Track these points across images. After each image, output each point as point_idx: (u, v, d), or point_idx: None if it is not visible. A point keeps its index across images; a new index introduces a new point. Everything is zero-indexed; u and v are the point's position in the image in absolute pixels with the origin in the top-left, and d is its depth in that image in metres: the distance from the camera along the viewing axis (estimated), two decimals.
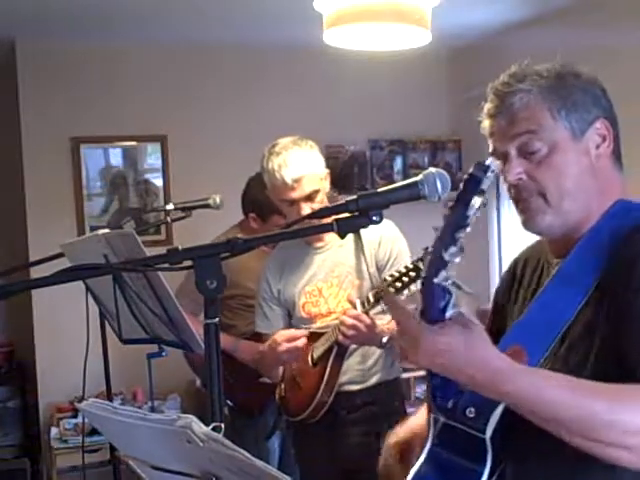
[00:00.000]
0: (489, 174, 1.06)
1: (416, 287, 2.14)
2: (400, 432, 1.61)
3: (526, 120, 1.29)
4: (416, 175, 1.22)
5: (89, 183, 4.53)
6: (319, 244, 2.47)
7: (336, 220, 1.24)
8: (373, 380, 2.44)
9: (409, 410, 2.43)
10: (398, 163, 5.03)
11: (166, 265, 1.23)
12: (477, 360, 1.11)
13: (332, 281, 2.43)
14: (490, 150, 1.36)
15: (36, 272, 1.52)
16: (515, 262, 1.51)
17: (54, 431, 4.14)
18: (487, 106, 1.35)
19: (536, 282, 1.40)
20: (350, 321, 2.21)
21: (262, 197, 2.77)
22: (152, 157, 4.67)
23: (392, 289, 2.12)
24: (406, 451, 1.55)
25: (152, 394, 3.04)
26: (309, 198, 2.32)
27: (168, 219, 3.08)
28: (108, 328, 2.41)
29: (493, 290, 1.57)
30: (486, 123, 1.36)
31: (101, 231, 2.12)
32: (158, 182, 4.65)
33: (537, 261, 1.42)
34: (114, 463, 2.55)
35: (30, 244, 4.33)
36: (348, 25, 2.56)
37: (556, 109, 1.29)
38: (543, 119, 1.29)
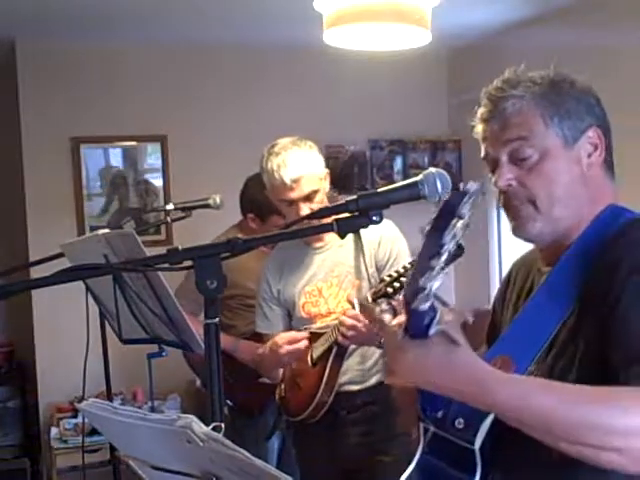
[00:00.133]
0: (466, 199, 1.06)
1: None
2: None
3: (518, 126, 1.29)
4: (416, 175, 1.22)
5: (89, 183, 4.53)
6: (319, 244, 2.47)
7: (336, 220, 1.24)
8: (373, 380, 2.44)
9: None
10: (398, 163, 5.03)
11: (166, 265, 1.23)
12: (461, 374, 1.11)
13: (332, 281, 2.44)
14: (482, 155, 1.37)
15: (36, 272, 1.52)
16: (511, 269, 1.52)
17: (54, 431, 4.15)
18: (480, 111, 1.35)
19: (527, 291, 1.40)
20: (349, 321, 2.21)
21: (261, 197, 2.77)
22: (152, 157, 4.67)
23: (390, 289, 2.11)
24: None
25: (152, 394, 3.04)
26: (308, 198, 2.32)
27: (168, 219, 3.08)
28: (108, 328, 2.41)
29: (493, 290, 1.57)
30: (479, 128, 1.36)
31: (101, 231, 2.12)
32: (158, 182, 4.65)
33: (529, 269, 1.43)
34: (114, 463, 2.55)
35: (30, 244, 4.33)
36: (348, 25, 2.56)
37: (548, 116, 1.29)
38: (535, 125, 1.29)
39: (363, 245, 2.39)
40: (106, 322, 2.42)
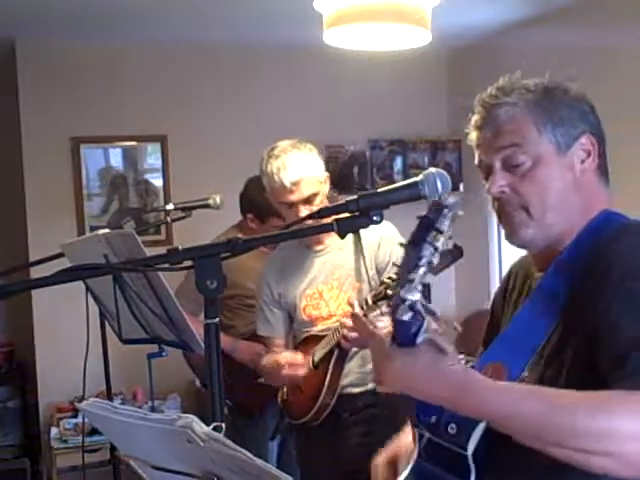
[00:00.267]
0: (445, 212, 1.07)
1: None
2: (388, 449, 1.64)
3: (511, 133, 1.30)
4: (416, 175, 1.22)
5: (89, 183, 4.53)
6: (319, 247, 2.47)
7: (336, 220, 1.24)
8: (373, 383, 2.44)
9: None
10: (398, 163, 5.02)
11: (166, 265, 1.24)
12: (448, 383, 1.12)
13: (332, 284, 2.44)
14: (476, 162, 1.37)
15: (36, 272, 1.52)
16: (509, 273, 1.52)
17: (54, 431, 4.14)
18: (474, 118, 1.35)
19: (525, 294, 1.40)
20: (350, 324, 2.21)
21: (260, 199, 2.77)
22: (152, 157, 4.67)
23: (391, 291, 2.12)
24: (395, 463, 1.58)
25: (152, 394, 3.04)
26: (308, 201, 2.31)
27: (168, 219, 3.08)
28: (108, 328, 2.41)
29: (493, 290, 1.57)
30: (473, 135, 1.36)
31: (101, 231, 2.12)
32: (158, 182, 4.65)
33: (525, 274, 1.43)
34: (114, 463, 2.55)
35: (30, 244, 4.33)
36: (348, 25, 2.55)
37: (542, 123, 1.29)
38: (528, 132, 1.29)
39: (363, 247, 2.39)
40: (106, 322, 2.42)
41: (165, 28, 4.21)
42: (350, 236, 2.41)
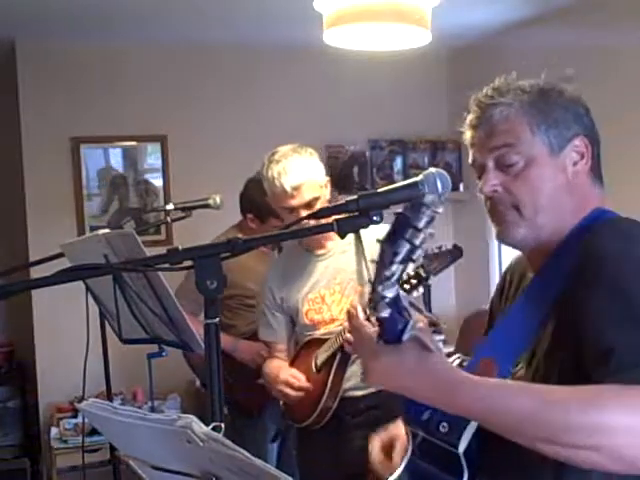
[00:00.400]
0: (423, 209, 1.07)
1: (418, 293, 2.15)
2: (384, 434, 1.65)
3: (505, 133, 1.30)
4: (416, 175, 1.22)
5: (89, 183, 4.53)
6: (321, 251, 2.47)
7: (336, 220, 1.24)
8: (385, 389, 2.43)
9: None
10: (398, 163, 5.02)
11: (166, 265, 1.24)
12: (432, 381, 1.13)
13: (334, 288, 2.44)
14: (470, 161, 1.38)
15: (36, 272, 1.52)
16: (505, 272, 1.53)
17: (54, 431, 4.14)
18: (469, 117, 1.36)
19: (518, 295, 1.41)
20: None
21: (260, 199, 2.78)
22: (152, 157, 4.67)
23: None
24: (391, 448, 1.61)
25: (152, 394, 3.04)
26: (309, 205, 2.31)
27: (168, 219, 3.08)
28: (108, 328, 2.41)
29: (493, 290, 1.58)
30: (467, 134, 1.37)
31: (101, 231, 2.12)
32: (158, 182, 4.65)
33: (521, 273, 1.44)
34: (114, 463, 2.55)
35: (30, 244, 4.33)
36: (348, 25, 2.55)
37: (535, 124, 1.30)
38: (522, 133, 1.30)
39: (365, 251, 2.39)
40: (106, 322, 2.42)
41: (165, 28, 4.21)
42: (352, 240, 2.42)
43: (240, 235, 1.30)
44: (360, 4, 2.49)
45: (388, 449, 1.63)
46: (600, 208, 1.31)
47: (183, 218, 3.05)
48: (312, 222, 1.53)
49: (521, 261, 1.47)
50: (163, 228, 4.48)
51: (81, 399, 1.33)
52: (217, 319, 1.20)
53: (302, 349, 2.50)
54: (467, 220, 4.69)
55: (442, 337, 4.60)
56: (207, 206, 3.02)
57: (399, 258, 1.07)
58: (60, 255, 2.15)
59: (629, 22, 3.62)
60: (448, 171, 1.26)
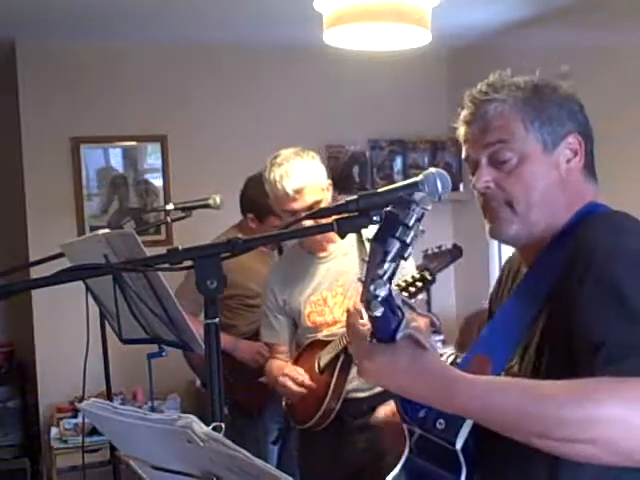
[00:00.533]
0: (413, 207, 1.08)
1: (423, 296, 2.16)
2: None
3: (499, 129, 1.30)
4: (416, 175, 1.23)
5: (89, 183, 4.53)
6: (323, 254, 2.48)
7: (336, 220, 1.24)
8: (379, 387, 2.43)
9: None
10: (398, 163, 5.02)
11: (166, 265, 1.24)
12: (426, 379, 1.13)
13: (337, 290, 2.44)
14: (464, 156, 1.38)
15: (36, 272, 1.52)
16: (503, 268, 1.54)
17: (54, 431, 4.14)
18: (463, 113, 1.36)
19: (512, 289, 1.41)
20: None
21: (260, 198, 2.78)
22: (152, 157, 4.67)
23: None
24: None
25: (152, 394, 3.03)
26: (311, 209, 2.31)
27: (168, 219, 3.08)
28: (108, 328, 2.41)
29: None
30: (461, 130, 1.37)
31: (101, 231, 2.12)
32: (158, 182, 4.65)
33: (517, 269, 1.44)
34: (114, 463, 2.55)
35: (30, 244, 4.33)
36: (348, 25, 2.55)
37: (529, 120, 1.30)
38: (516, 129, 1.30)
39: (367, 252, 2.39)
40: (106, 322, 2.42)
41: (165, 28, 4.21)
42: (354, 242, 2.42)
43: (240, 235, 1.30)
44: (360, 4, 2.49)
45: None
46: (593, 202, 1.32)
47: (183, 218, 3.05)
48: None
49: (518, 256, 1.47)
50: (163, 228, 4.48)
51: (81, 399, 1.33)
52: (217, 319, 1.20)
53: (305, 350, 2.50)
54: (467, 220, 4.69)
55: (442, 337, 4.62)
56: (207, 206, 3.02)
57: (390, 256, 1.08)
58: (60, 255, 2.15)
59: (629, 22, 3.62)
60: (448, 171, 1.27)
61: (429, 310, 4.58)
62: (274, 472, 0.92)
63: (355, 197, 1.22)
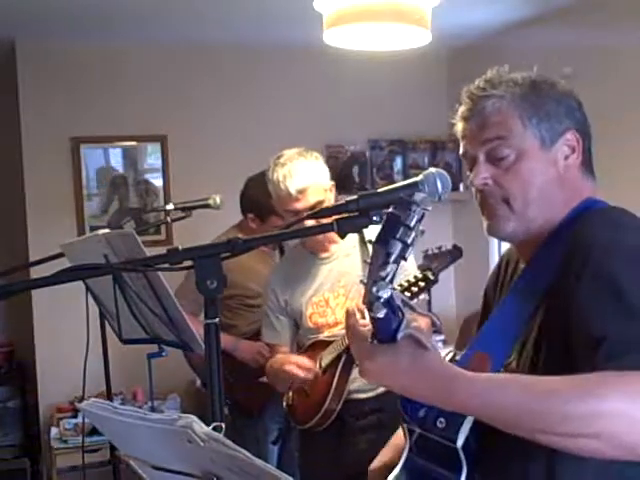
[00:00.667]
0: (413, 208, 1.08)
1: (425, 296, 2.16)
2: (383, 453, 1.64)
3: (497, 125, 1.30)
4: (416, 175, 1.23)
5: (89, 183, 4.52)
6: (325, 254, 2.48)
7: (336, 220, 1.24)
8: (381, 388, 2.43)
9: None
10: (398, 163, 5.02)
11: (166, 265, 1.24)
12: (427, 378, 1.14)
13: (339, 291, 2.44)
14: (461, 152, 1.38)
15: (36, 272, 1.52)
16: (501, 260, 1.53)
17: (54, 431, 4.14)
18: (461, 109, 1.36)
19: (510, 285, 1.41)
20: None
21: (261, 198, 2.78)
22: (152, 157, 4.67)
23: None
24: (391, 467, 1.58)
25: (152, 394, 3.04)
26: (313, 209, 2.31)
27: (168, 219, 3.08)
28: (108, 328, 2.41)
29: None
30: (459, 126, 1.37)
31: (101, 231, 2.12)
32: (158, 182, 4.65)
33: (515, 264, 1.44)
34: (114, 463, 2.55)
35: (30, 244, 4.33)
36: (348, 25, 2.55)
37: (527, 117, 1.30)
38: (513, 126, 1.30)
39: (369, 254, 2.38)
40: (106, 322, 2.42)
41: (165, 28, 4.21)
42: (356, 243, 2.42)
43: (240, 235, 1.30)
44: (360, 4, 2.49)
45: (389, 467, 1.62)
46: (591, 198, 1.32)
47: (183, 218, 3.05)
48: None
49: (513, 251, 1.47)
50: (163, 228, 4.48)
51: (81, 399, 1.33)
52: (217, 319, 1.20)
53: (306, 351, 2.50)
54: (467, 220, 4.69)
55: (442, 337, 4.61)
56: (207, 206, 3.02)
57: (392, 258, 1.08)
58: (60, 255, 2.15)
59: (629, 22, 3.62)
60: (448, 171, 1.27)
61: (429, 310, 4.57)
62: (274, 472, 0.92)
63: (355, 197, 1.22)
